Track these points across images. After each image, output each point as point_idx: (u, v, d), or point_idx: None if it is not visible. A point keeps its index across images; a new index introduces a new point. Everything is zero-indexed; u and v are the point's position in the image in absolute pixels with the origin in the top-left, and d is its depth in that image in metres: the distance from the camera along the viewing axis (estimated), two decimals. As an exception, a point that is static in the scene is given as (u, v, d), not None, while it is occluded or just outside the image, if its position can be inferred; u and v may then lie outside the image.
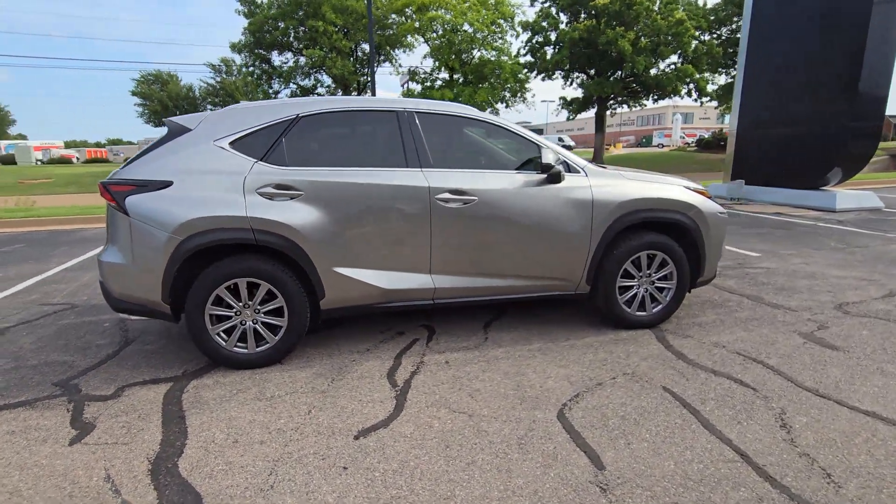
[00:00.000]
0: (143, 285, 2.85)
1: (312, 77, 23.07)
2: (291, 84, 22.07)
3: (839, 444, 2.20)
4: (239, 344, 3.00)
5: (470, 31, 20.99)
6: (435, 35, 21.21)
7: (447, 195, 3.09)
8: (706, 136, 36.96)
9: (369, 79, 23.98)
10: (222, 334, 2.97)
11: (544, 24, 23.00)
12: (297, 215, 2.89)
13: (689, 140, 48.14)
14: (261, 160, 2.94)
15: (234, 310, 2.95)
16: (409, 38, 23.05)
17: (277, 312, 3.02)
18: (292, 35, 21.27)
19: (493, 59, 21.95)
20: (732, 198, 11.33)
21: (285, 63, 22.58)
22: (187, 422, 2.48)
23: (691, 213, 3.48)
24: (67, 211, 10.55)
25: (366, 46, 22.49)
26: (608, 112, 25.85)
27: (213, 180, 2.86)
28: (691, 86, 23.35)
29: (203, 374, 2.97)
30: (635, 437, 2.28)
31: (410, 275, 3.15)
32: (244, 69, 23.18)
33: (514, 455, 2.17)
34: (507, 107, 23.67)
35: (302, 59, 21.59)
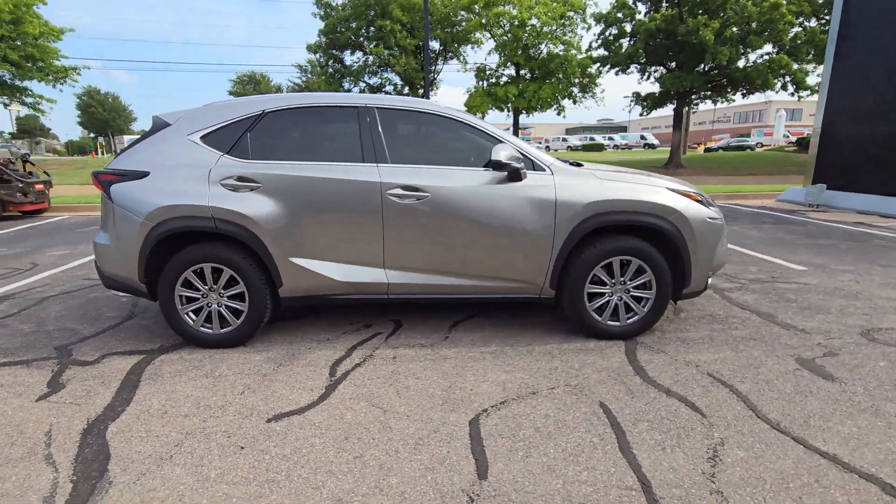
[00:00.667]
0: (124, 266, 3.16)
1: (380, 75, 23.85)
2: (360, 82, 22.92)
3: (767, 487, 1.93)
4: (205, 324, 3.24)
5: (537, 25, 20.44)
6: (501, 30, 20.92)
7: (399, 191, 3.10)
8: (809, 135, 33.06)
9: (434, 76, 24.32)
10: (191, 314, 3.22)
11: (619, 14, 21.83)
12: (255, 206, 3.06)
13: (794, 139, 43.46)
14: (226, 153, 3.14)
15: (201, 293, 3.19)
16: (477, 35, 22.97)
17: (240, 297, 3.21)
18: (363, 35, 22.08)
19: (560, 53, 21.22)
20: (810, 204, 10.09)
21: (356, 62, 23.57)
22: (137, 391, 2.73)
23: (672, 217, 3.18)
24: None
25: (432, 44, 22.80)
26: (689, 108, 23.98)
27: (184, 172, 3.11)
28: (787, 78, 20.98)
29: (173, 350, 3.25)
30: (537, 451, 2.16)
31: (364, 268, 3.21)
32: (318, 68, 24.46)
33: (405, 454, 2.15)
34: (574, 103, 22.76)
35: (371, 58, 22.35)
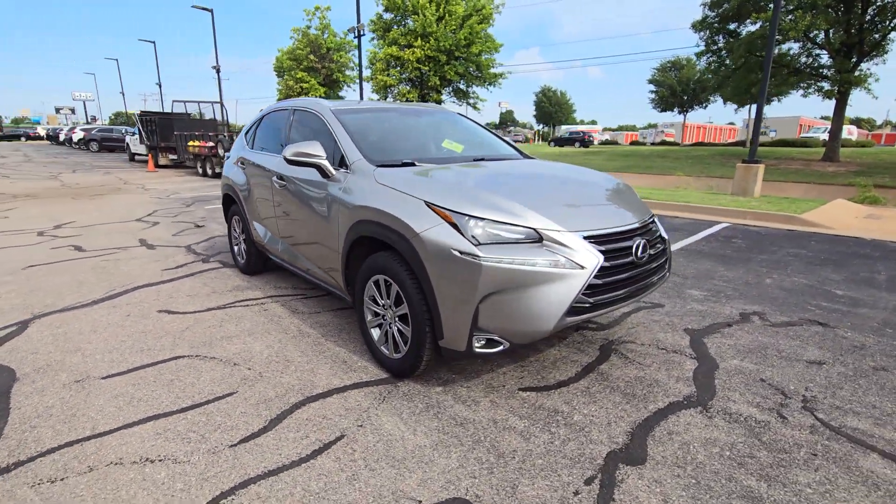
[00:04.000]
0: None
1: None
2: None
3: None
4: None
5: None
6: None
7: (275, 178, 3.77)
8: None
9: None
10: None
11: None
12: (238, 178, 4.50)
13: None
14: (246, 145, 4.66)
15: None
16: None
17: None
18: None
19: None
20: None
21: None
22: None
23: (412, 239, 2.44)
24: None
25: None
26: None
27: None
28: None
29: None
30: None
31: (274, 237, 4.08)
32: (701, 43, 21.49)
33: None
34: None
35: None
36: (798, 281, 4.61)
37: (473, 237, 2.31)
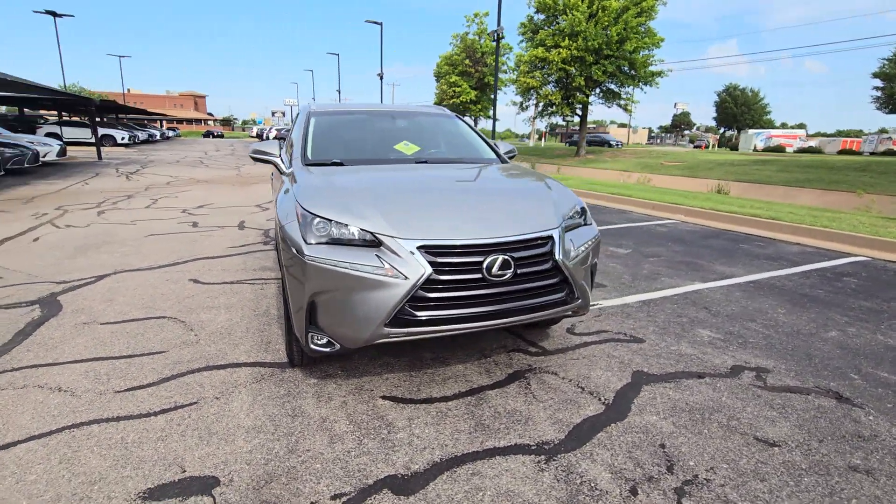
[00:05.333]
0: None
1: None
2: None
3: None
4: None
5: None
6: None
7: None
8: None
9: None
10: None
11: None
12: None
13: None
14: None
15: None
16: None
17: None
18: None
19: None
20: None
21: None
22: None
23: (279, 232, 2.63)
24: (647, 194, 14.00)
25: None
26: None
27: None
28: None
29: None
30: (118, 334, 3.39)
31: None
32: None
33: None
34: None
35: None
36: (879, 341, 3.44)
37: (311, 235, 2.37)
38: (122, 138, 29.01)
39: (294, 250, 2.37)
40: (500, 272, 2.31)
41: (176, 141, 46.85)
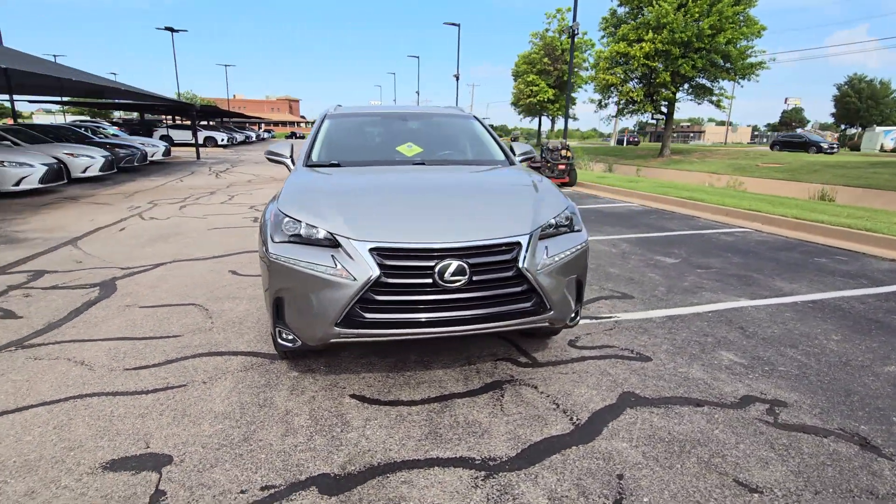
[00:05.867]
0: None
1: None
2: None
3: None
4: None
5: None
6: None
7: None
8: None
9: None
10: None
11: None
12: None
13: None
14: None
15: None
16: None
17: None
18: None
19: None
20: None
21: None
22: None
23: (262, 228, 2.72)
24: (723, 199, 13.09)
25: None
26: None
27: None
28: None
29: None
30: (151, 317, 3.76)
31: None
32: None
33: None
34: None
35: None
36: (951, 380, 2.86)
37: (278, 233, 2.47)
38: (222, 140, 32.04)
39: (263, 248, 2.49)
40: (453, 278, 2.24)
41: (269, 142, 50.83)
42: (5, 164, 9.35)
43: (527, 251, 2.38)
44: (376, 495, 1.93)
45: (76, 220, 7.69)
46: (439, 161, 3.51)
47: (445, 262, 2.25)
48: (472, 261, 2.29)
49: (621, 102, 27.13)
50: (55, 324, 3.60)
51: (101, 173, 12.45)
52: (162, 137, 24.79)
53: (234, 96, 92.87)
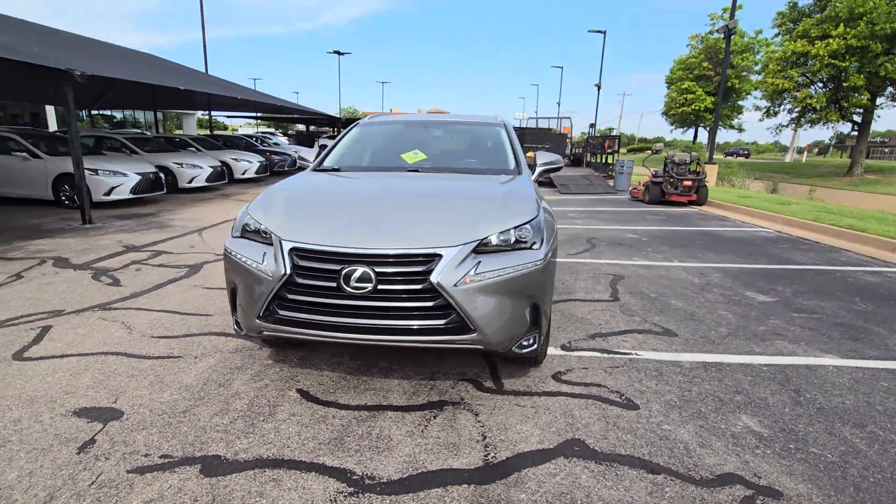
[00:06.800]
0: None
1: None
2: None
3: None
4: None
5: None
6: None
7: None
8: None
9: None
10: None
11: None
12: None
13: None
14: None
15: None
16: None
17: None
18: None
19: None
20: None
21: None
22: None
23: None
24: (821, 215, 10.77)
25: None
26: None
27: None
28: None
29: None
30: (205, 297, 4.37)
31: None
32: None
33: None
34: None
35: None
36: None
37: (236, 228, 2.70)
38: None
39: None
40: (358, 284, 2.20)
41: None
42: (183, 165, 11.69)
43: (447, 264, 2.22)
44: (243, 486, 1.99)
45: (216, 213, 9.26)
46: (436, 168, 3.45)
47: (352, 267, 2.22)
48: (379, 269, 2.22)
49: (795, 111, 22.87)
50: (137, 294, 4.41)
51: (256, 175, 14.78)
52: (321, 147, 28.40)
53: (391, 110, 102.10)
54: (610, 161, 18.09)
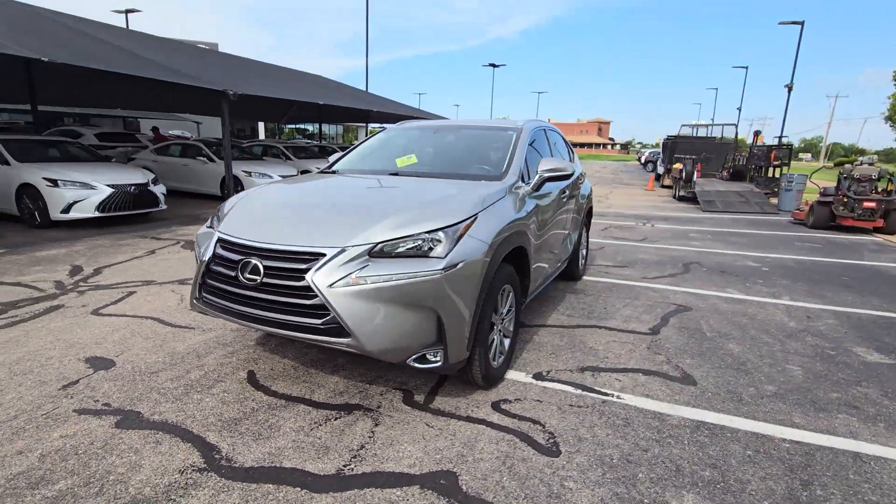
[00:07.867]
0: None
1: None
2: None
3: (163, 303, 4.26)
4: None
5: None
6: None
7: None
8: None
9: None
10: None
11: None
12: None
13: None
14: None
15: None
16: None
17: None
18: None
19: None
20: None
21: None
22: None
23: None
24: None
25: None
26: None
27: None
28: None
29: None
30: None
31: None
32: None
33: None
34: None
35: None
36: None
37: (211, 219, 3.02)
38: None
39: None
40: (249, 275, 2.32)
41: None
42: (252, 174, 12.80)
43: (328, 265, 2.20)
44: (130, 440, 2.25)
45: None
46: (417, 173, 3.37)
47: (247, 259, 2.35)
48: (266, 263, 2.30)
49: None
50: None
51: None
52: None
53: (549, 120, 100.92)
54: (778, 175, 15.15)
